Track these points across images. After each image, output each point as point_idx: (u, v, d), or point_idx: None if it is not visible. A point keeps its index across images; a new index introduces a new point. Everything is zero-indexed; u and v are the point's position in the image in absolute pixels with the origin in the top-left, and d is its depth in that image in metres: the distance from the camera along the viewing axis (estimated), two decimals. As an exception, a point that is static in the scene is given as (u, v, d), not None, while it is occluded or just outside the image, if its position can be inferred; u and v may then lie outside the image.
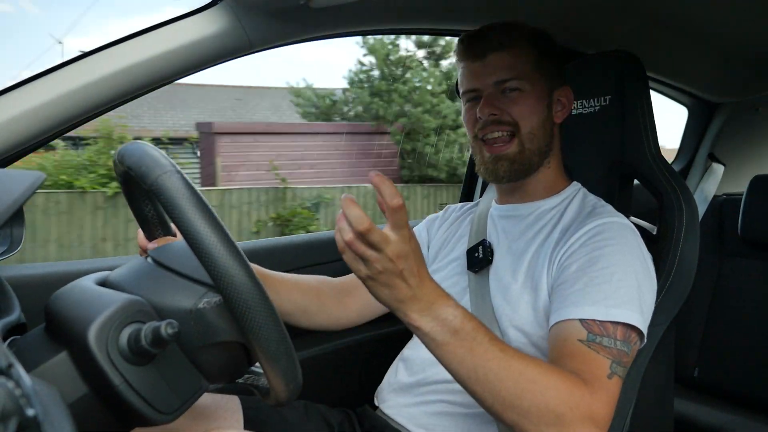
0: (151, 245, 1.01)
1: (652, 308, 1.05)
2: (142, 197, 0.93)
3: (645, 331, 1.01)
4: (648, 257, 1.09)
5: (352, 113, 12.56)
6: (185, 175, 0.72)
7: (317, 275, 1.39)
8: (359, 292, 1.37)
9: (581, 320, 0.97)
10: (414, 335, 1.29)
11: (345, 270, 1.45)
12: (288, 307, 1.26)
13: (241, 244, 1.52)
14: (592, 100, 1.34)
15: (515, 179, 1.21)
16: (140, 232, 1.04)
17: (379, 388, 1.31)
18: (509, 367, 0.84)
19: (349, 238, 0.78)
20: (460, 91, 1.26)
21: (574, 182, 1.26)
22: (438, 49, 12.32)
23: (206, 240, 0.68)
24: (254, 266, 1.16)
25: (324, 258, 1.69)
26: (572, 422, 0.84)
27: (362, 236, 0.77)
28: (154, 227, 0.96)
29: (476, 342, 0.84)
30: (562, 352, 0.97)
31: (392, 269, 0.80)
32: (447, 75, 11.81)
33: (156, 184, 0.70)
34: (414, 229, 1.47)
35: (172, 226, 1.01)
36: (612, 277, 1.00)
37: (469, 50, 1.21)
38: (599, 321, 0.96)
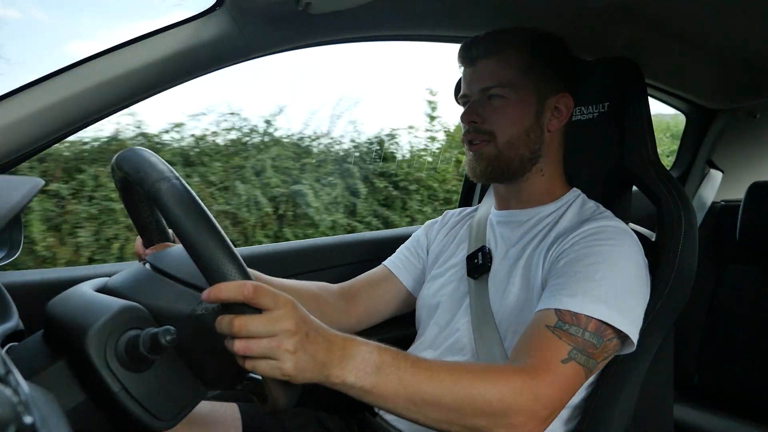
0: (149, 251, 1.01)
1: (641, 314, 1.05)
2: (141, 203, 0.92)
3: (630, 334, 1.00)
4: (644, 264, 1.09)
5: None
6: (183, 181, 0.72)
7: (317, 281, 1.38)
8: (360, 298, 1.37)
9: (556, 310, 0.98)
10: (414, 343, 1.30)
11: (345, 276, 1.46)
12: None
13: (241, 250, 1.52)
14: (590, 107, 1.34)
15: (494, 180, 1.24)
16: (138, 239, 1.04)
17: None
18: (442, 383, 0.83)
19: (242, 346, 0.69)
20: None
21: (574, 189, 1.26)
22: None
23: (204, 246, 0.68)
24: (254, 272, 1.16)
25: (324, 264, 1.68)
26: (520, 409, 0.85)
27: (253, 323, 0.70)
28: (152, 234, 0.96)
29: (401, 370, 0.81)
30: (526, 336, 0.99)
31: (301, 340, 0.73)
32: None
33: (153, 190, 0.70)
34: (414, 234, 1.47)
35: (170, 232, 1.01)
36: (596, 275, 1.00)
37: (463, 57, 1.24)
38: (573, 312, 0.97)
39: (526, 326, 1.02)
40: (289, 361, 0.72)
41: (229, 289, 0.68)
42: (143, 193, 0.72)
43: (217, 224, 0.70)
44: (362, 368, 0.79)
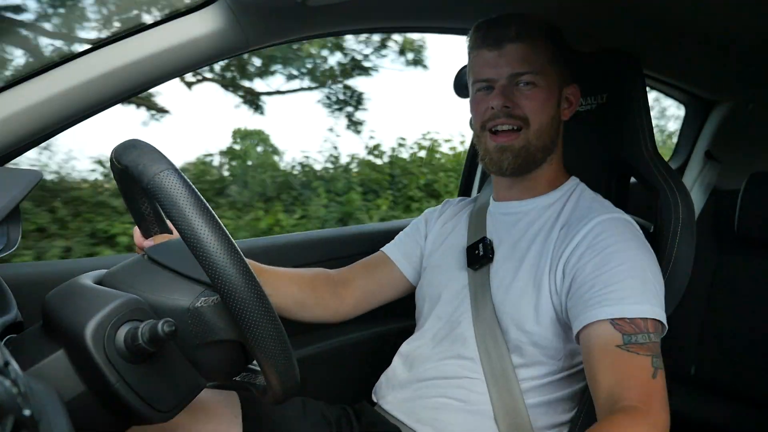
0: (148, 243, 1.01)
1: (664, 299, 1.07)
2: (139, 194, 0.92)
3: (665, 323, 1.03)
4: (651, 250, 1.10)
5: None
6: (182, 174, 0.72)
7: (313, 268, 1.39)
8: (355, 284, 1.37)
9: (611, 321, 0.98)
10: (414, 334, 1.31)
11: (341, 267, 1.46)
12: (285, 300, 1.27)
13: (240, 243, 1.53)
14: (589, 98, 1.34)
15: (519, 173, 1.21)
16: (136, 230, 1.04)
17: (377, 384, 1.31)
18: None
19: None
20: (471, 79, 1.24)
21: (573, 177, 1.26)
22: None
23: (204, 239, 0.68)
24: (250, 261, 1.17)
25: (322, 256, 1.69)
26: None
27: None
28: (150, 224, 0.96)
29: None
30: (603, 362, 0.98)
31: None
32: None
33: (153, 183, 0.70)
34: (412, 222, 1.47)
35: (169, 223, 1.02)
36: (630, 273, 1.02)
37: (485, 38, 1.19)
38: (628, 319, 0.98)
39: (588, 348, 1.01)
40: None
41: None
42: (142, 187, 0.71)
43: (217, 217, 0.70)
44: None
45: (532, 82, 1.16)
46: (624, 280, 1.01)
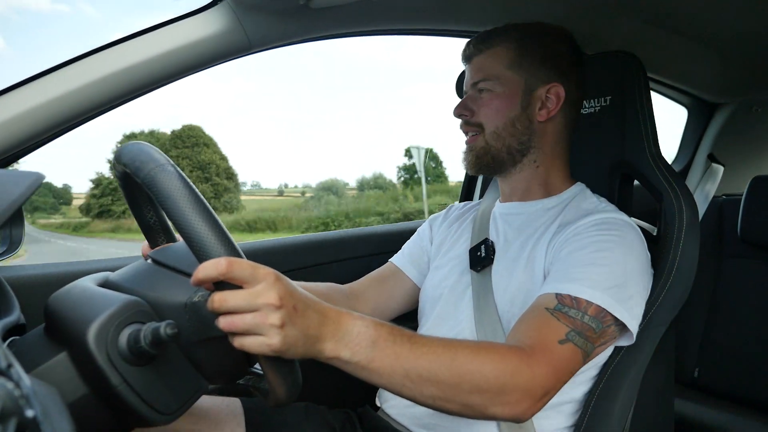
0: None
1: (641, 305, 1.06)
2: (144, 203, 0.92)
3: (628, 324, 1.01)
4: (646, 257, 1.10)
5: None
6: (179, 169, 0.72)
7: (326, 282, 1.38)
8: (368, 297, 1.37)
9: (557, 294, 0.99)
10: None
11: (350, 270, 1.46)
12: None
13: (243, 245, 1.52)
14: (592, 101, 1.33)
15: (486, 171, 1.27)
16: (145, 242, 1.04)
17: (380, 389, 1.31)
18: (439, 359, 0.82)
19: (226, 322, 0.69)
20: None
21: (578, 183, 1.26)
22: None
23: (198, 230, 0.68)
24: None
25: (328, 258, 1.68)
26: (516, 387, 0.85)
27: (236, 296, 0.68)
28: (156, 234, 0.96)
29: (398, 345, 0.80)
30: (524, 317, 0.99)
31: (288, 313, 0.70)
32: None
33: (149, 177, 0.70)
34: (418, 229, 1.47)
35: (177, 235, 1.01)
36: (598, 262, 1.02)
37: (462, 56, 1.30)
38: (573, 296, 0.98)
39: (526, 310, 1.02)
40: (277, 335, 0.69)
41: (206, 268, 0.67)
42: (139, 182, 0.71)
43: (212, 210, 0.70)
44: (357, 342, 0.77)
45: (488, 89, 1.22)
46: (589, 265, 1.01)
